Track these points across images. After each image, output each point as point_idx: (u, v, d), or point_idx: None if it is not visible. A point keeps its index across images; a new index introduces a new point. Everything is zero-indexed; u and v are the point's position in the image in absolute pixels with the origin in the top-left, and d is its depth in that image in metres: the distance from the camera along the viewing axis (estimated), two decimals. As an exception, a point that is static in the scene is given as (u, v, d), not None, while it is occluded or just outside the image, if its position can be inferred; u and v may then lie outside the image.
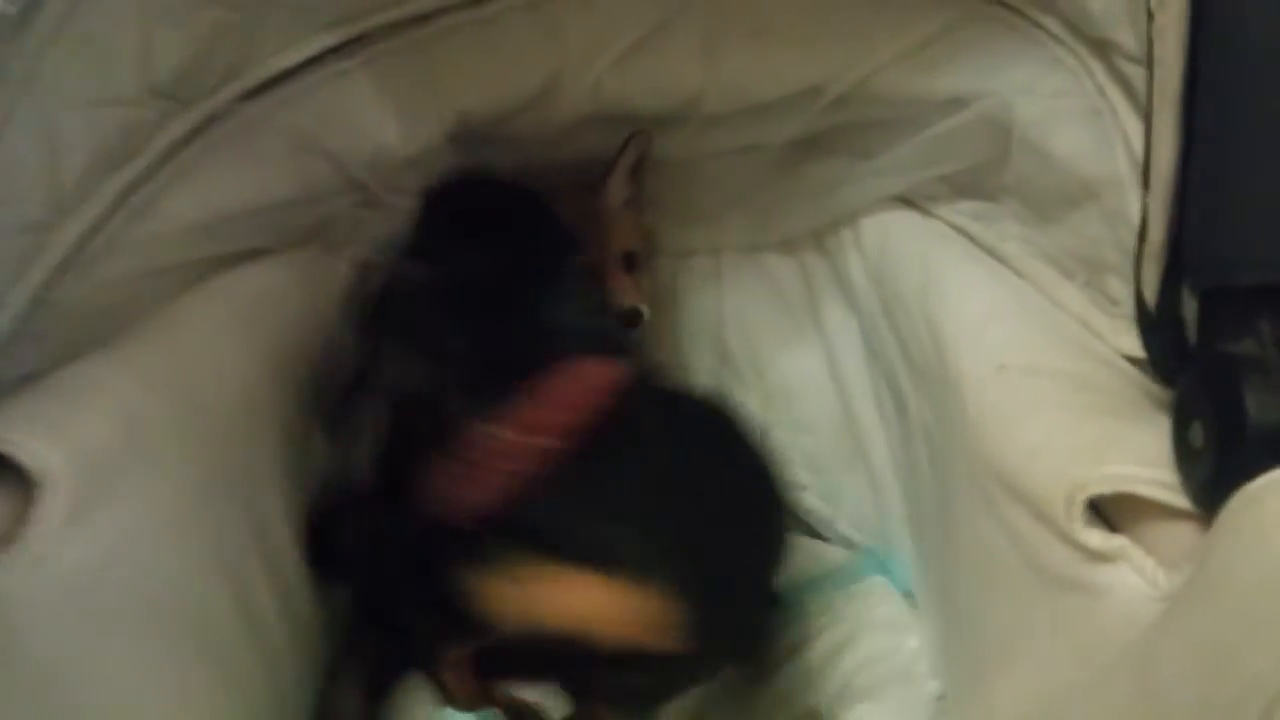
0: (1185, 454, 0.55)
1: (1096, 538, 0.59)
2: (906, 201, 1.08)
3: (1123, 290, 0.78)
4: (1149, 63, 0.57)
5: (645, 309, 1.11)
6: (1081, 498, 0.59)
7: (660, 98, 1.05)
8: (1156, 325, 0.58)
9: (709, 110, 1.06)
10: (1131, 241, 0.75)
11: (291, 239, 1.00)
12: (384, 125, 0.99)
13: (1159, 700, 0.52)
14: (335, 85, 0.94)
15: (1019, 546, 0.71)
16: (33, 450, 0.62)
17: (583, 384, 0.79)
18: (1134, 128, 0.75)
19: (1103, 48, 0.78)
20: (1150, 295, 0.58)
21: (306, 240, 1.03)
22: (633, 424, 0.80)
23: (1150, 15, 0.55)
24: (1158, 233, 0.56)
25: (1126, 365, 0.74)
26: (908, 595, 1.11)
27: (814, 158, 1.13)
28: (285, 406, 0.94)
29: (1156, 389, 0.70)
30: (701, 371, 1.28)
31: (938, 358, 0.87)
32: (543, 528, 0.77)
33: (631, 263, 1.14)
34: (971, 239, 0.98)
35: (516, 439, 0.76)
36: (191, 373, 0.80)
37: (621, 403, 0.79)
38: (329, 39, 0.93)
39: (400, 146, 1.00)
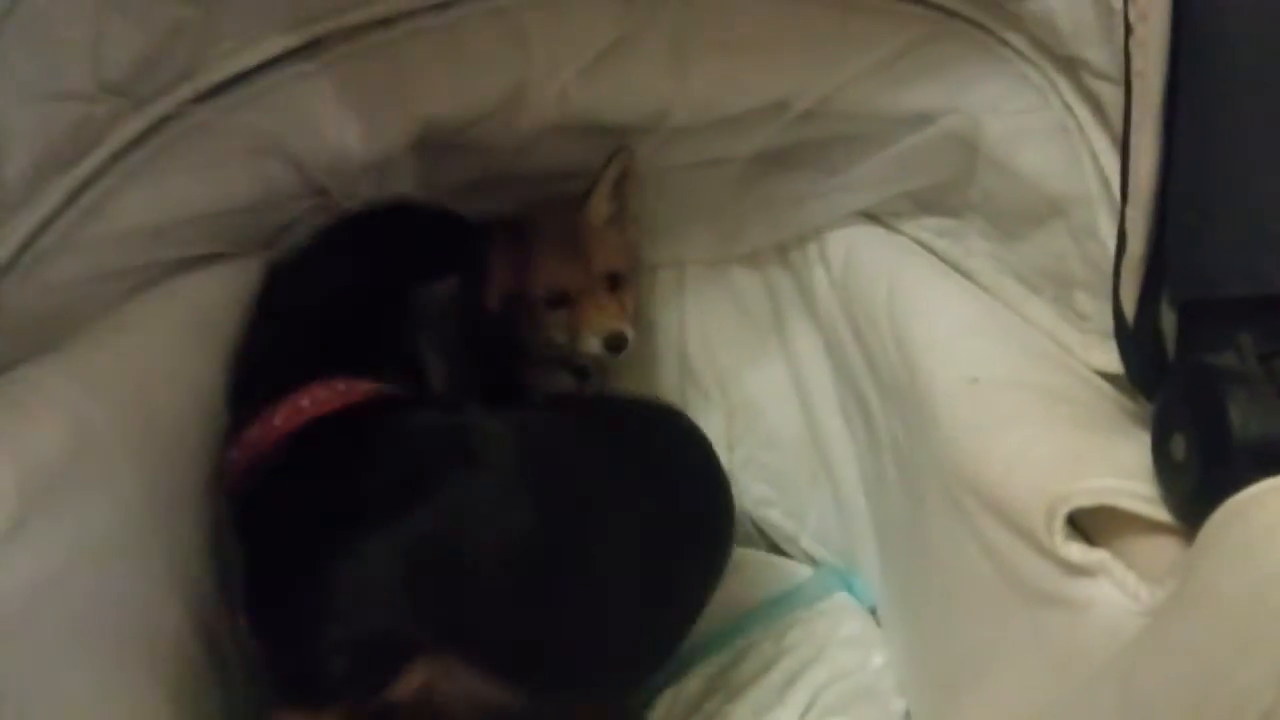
0: (1166, 467, 0.55)
1: (1077, 551, 0.59)
2: (871, 217, 1.09)
3: (1091, 305, 0.79)
4: (1126, 77, 0.57)
5: (629, 332, 1.09)
6: (1063, 510, 0.59)
7: (628, 109, 1.04)
8: (1135, 338, 0.59)
9: (676, 122, 1.05)
10: (1100, 257, 0.77)
11: (248, 244, 0.97)
12: (346, 129, 0.96)
13: (1144, 715, 0.52)
14: (296, 87, 0.91)
15: (994, 560, 0.70)
16: (-26, 461, 0.59)
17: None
18: (1103, 144, 0.76)
19: (1071, 65, 0.79)
20: (1129, 308, 0.58)
21: (263, 246, 1.00)
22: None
23: (1129, 29, 0.55)
24: (1137, 245, 0.56)
25: (1098, 380, 0.75)
26: (872, 612, 1.11)
27: (779, 172, 1.12)
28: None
29: (1129, 403, 0.71)
30: (664, 386, 1.27)
31: (907, 372, 0.87)
32: None
33: (616, 283, 1.12)
34: (937, 255, 0.99)
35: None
36: (144, 381, 0.77)
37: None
38: (289, 40, 0.90)
39: (362, 151, 0.97)
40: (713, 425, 1.26)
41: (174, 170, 0.85)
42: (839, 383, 1.16)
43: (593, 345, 1.08)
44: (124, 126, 0.81)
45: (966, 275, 0.94)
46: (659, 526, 0.85)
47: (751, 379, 1.25)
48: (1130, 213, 0.57)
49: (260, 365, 0.89)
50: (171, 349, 0.83)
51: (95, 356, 0.75)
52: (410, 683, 0.76)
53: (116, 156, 0.81)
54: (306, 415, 0.82)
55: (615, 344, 1.08)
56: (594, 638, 0.82)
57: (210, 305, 0.90)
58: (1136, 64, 0.55)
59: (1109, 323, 0.75)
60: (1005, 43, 0.87)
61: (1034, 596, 0.65)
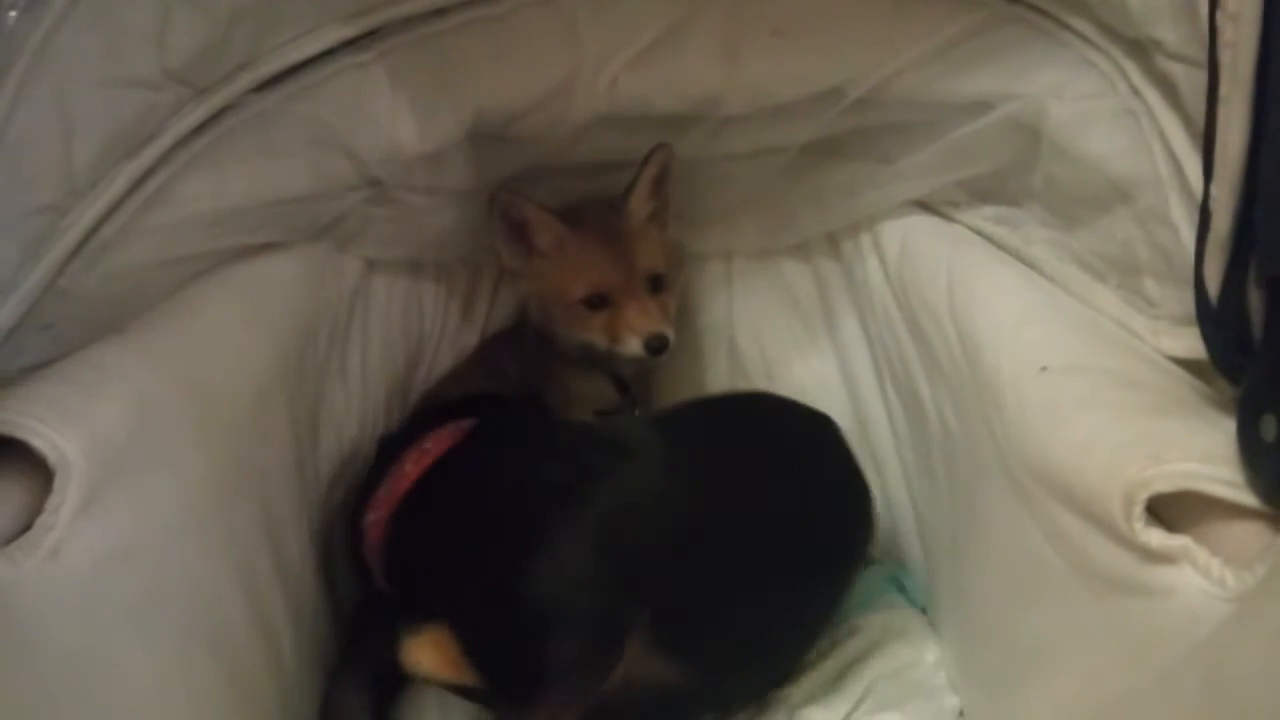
0: (1254, 449, 0.53)
1: (1157, 537, 0.58)
2: (926, 206, 1.07)
3: (1159, 291, 0.77)
4: (1211, 51, 0.56)
5: (670, 333, 1.08)
6: (1142, 496, 0.58)
7: (678, 98, 1.03)
8: (1219, 318, 0.57)
9: (727, 111, 1.04)
10: (1170, 242, 0.75)
11: (303, 234, 0.98)
12: (400, 120, 0.97)
13: (1233, 704, 0.50)
14: (352, 79, 0.92)
15: (1063, 550, 0.69)
16: (47, 436, 0.59)
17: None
18: (1174, 126, 0.74)
19: (1140, 47, 0.77)
20: (1213, 287, 0.57)
21: (318, 236, 1.01)
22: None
23: (1216, 2, 0.54)
24: (1223, 223, 0.54)
25: (1171, 365, 0.73)
26: (923, 611, 1.09)
27: (832, 161, 1.11)
28: (295, 404, 0.92)
29: (1205, 388, 0.69)
30: (712, 377, 1.26)
31: (968, 362, 0.86)
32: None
33: (657, 284, 1.11)
34: (996, 243, 0.97)
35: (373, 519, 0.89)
36: (204, 363, 0.78)
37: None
38: (345, 31, 0.90)
39: (416, 143, 0.98)
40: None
41: (234, 159, 0.86)
42: (881, 376, 1.15)
43: (634, 347, 1.07)
44: (187, 114, 0.81)
45: (1027, 264, 0.92)
46: (806, 524, 0.88)
47: (800, 370, 1.24)
48: (1215, 190, 0.55)
49: None
50: (229, 335, 0.83)
51: (157, 340, 0.76)
52: (628, 661, 0.79)
53: (179, 144, 0.82)
54: (432, 455, 0.89)
55: (657, 345, 1.07)
56: (754, 620, 0.85)
57: (266, 292, 0.91)
58: (1226, 36, 0.53)
59: (1179, 308, 0.75)
60: (1067, 27, 0.86)
61: (1107, 585, 0.64)
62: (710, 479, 0.85)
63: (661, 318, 1.08)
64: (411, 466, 0.88)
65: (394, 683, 1.03)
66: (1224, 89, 0.53)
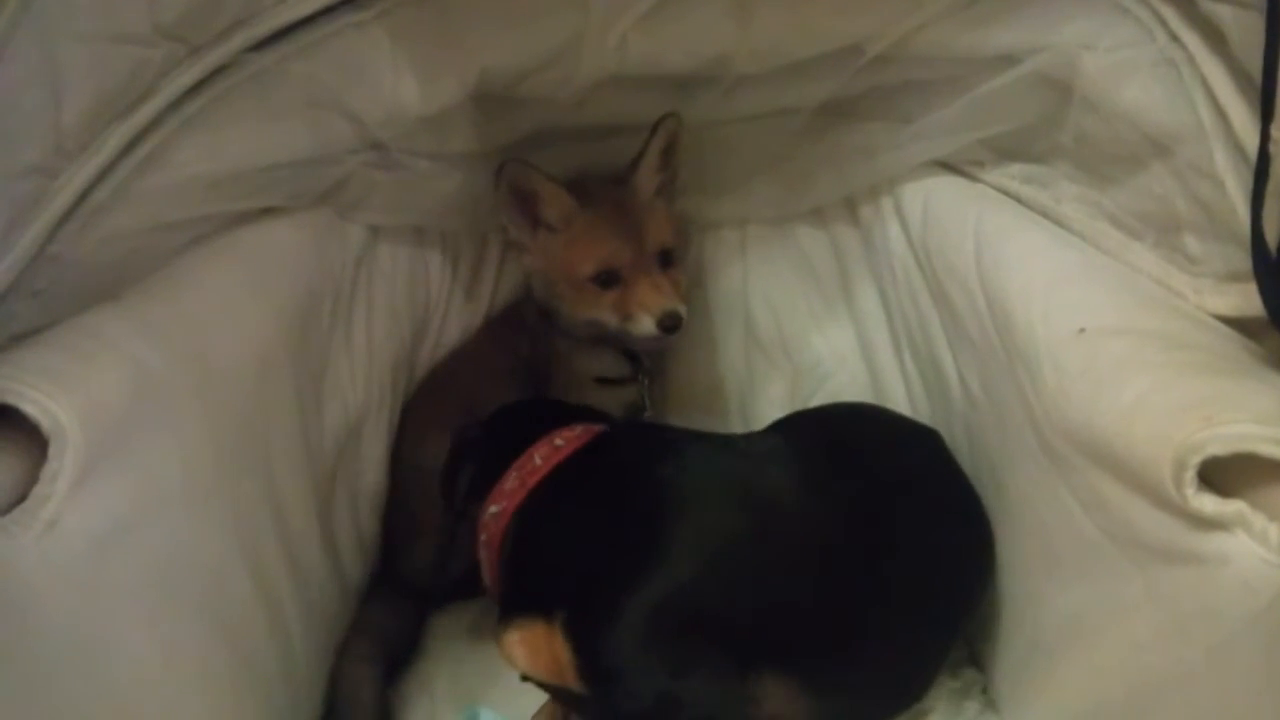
0: (1317, 407, 0.50)
1: (1210, 503, 0.55)
2: (948, 166, 1.03)
3: (1201, 247, 0.74)
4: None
5: (684, 311, 1.04)
6: (1195, 460, 0.55)
7: (689, 56, 0.99)
8: (1278, 268, 0.54)
9: (740, 70, 1.00)
10: (1212, 195, 0.71)
11: (305, 199, 0.95)
12: (401, 80, 0.93)
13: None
14: (351, 38, 0.88)
15: (1101, 518, 0.66)
16: (41, 403, 0.57)
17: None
18: (1218, 74, 0.71)
19: (1182, -9, 0.73)
20: (1272, 235, 0.53)
21: (320, 201, 0.97)
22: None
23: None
24: (1284, 168, 0.51)
25: (1216, 323, 0.70)
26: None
27: (849, 122, 1.08)
28: (299, 374, 0.89)
29: (1254, 346, 0.66)
30: (728, 349, 1.23)
31: (998, 328, 0.83)
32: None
33: (668, 260, 1.07)
34: (1024, 203, 0.93)
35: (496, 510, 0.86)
36: (203, 331, 0.75)
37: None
38: (343, -13, 0.87)
39: (418, 103, 0.94)
40: (776, 389, 1.23)
41: (230, 121, 0.83)
42: (899, 346, 1.12)
43: (646, 325, 1.03)
44: (180, 73, 0.78)
45: (1058, 223, 0.88)
46: (931, 542, 0.84)
47: (817, 341, 1.21)
48: (1275, 133, 0.52)
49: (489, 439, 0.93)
50: (230, 302, 0.80)
51: (154, 307, 0.73)
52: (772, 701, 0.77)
53: (173, 105, 0.78)
54: (564, 451, 0.86)
55: (670, 323, 1.03)
56: (884, 642, 0.83)
57: (266, 259, 0.88)
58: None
59: (1223, 264, 0.71)
60: (1100, -27, 0.82)
61: (1151, 554, 0.61)
62: (838, 494, 0.84)
63: (674, 294, 1.04)
64: (542, 461, 0.86)
65: (402, 658, 1.02)
66: (1288, 24, 0.50)
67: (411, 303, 1.13)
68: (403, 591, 1.07)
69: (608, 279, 1.04)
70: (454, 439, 0.94)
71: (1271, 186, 0.53)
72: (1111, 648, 0.67)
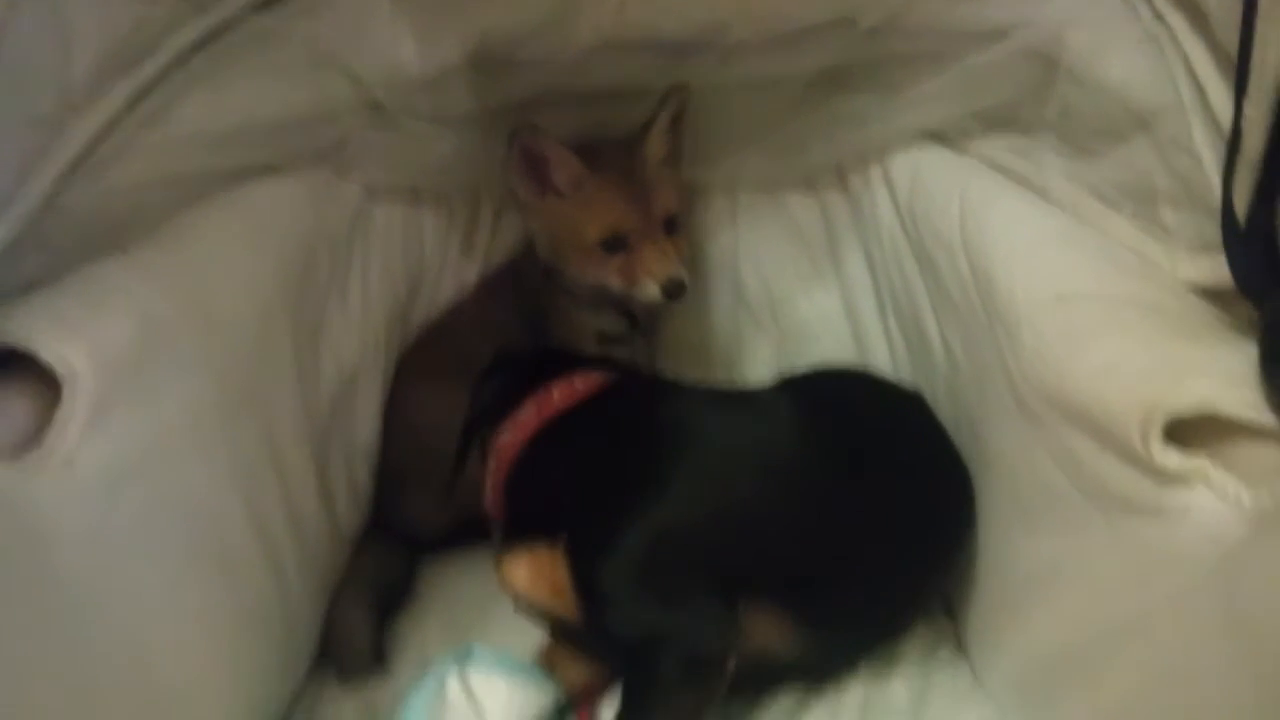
0: (1278, 370, 0.53)
1: (1175, 459, 0.58)
2: (937, 137, 1.06)
3: (1176, 219, 0.77)
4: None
5: (687, 278, 1.06)
6: (1160, 418, 0.58)
7: (686, 22, 1.00)
8: (1246, 240, 0.56)
9: (736, 37, 1.02)
10: (1190, 169, 0.74)
11: (304, 157, 0.96)
12: (401, 41, 0.94)
13: (1249, 624, 0.51)
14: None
15: (1074, 475, 0.69)
16: (53, 348, 0.58)
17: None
18: (1198, 51, 0.73)
19: (1164, -31, 0.75)
20: (1241, 206, 0.56)
21: (318, 160, 0.99)
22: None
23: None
24: (1256, 142, 0.54)
25: (1188, 292, 0.73)
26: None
27: (840, 92, 1.09)
28: (297, 327, 0.91)
29: (1223, 314, 0.69)
30: (717, 313, 1.25)
31: (981, 292, 0.85)
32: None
33: (673, 226, 1.09)
34: (1009, 174, 0.95)
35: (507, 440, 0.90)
36: (206, 282, 0.77)
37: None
38: (346, -53, 0.88)
39: (417, 64, 0.95)
40: (763, 352, 1.25)
41: (233, 79, 0.84)
42: (884, 311, 1.14)
43: (651, 291, 1.05)
44: (185, 30, 0.79)
45: (1040, 193, 0.91)
46: (914, 491, 0.88)
47: (804, 305, 1.24)
48: (1249, 109, 0.54)
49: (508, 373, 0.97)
50: (232, 255, 0.82)
51: (160, 258, 0.75)
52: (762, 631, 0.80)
53: (178, 61, 0.79)
54: (580, 393, 0.91)
55: (674, 290, 1.05)
56: (870, 582, 0.86)
57: (266, 214, 0.90)
58: (1263, -53, 0.52)
59: (1197, 235, 0.74)
60: (1087, -49, 0.84)
61: (1119, 508, 0.64)
62: (833, 444, 0.87)
63: (678, 261, 1.06)
64: (559, 397, 0.90)
65: (394, 603, 1.05)
66: (1264, 3, 0.52)
67: (406, 261, 1.15)
68: (395, 540, 1.10)
69: (614, 244, 1.06)
70: (494, 356, 0.98)
71: (1242, 161, 0.55)
72: (1077, 595, 0.71)
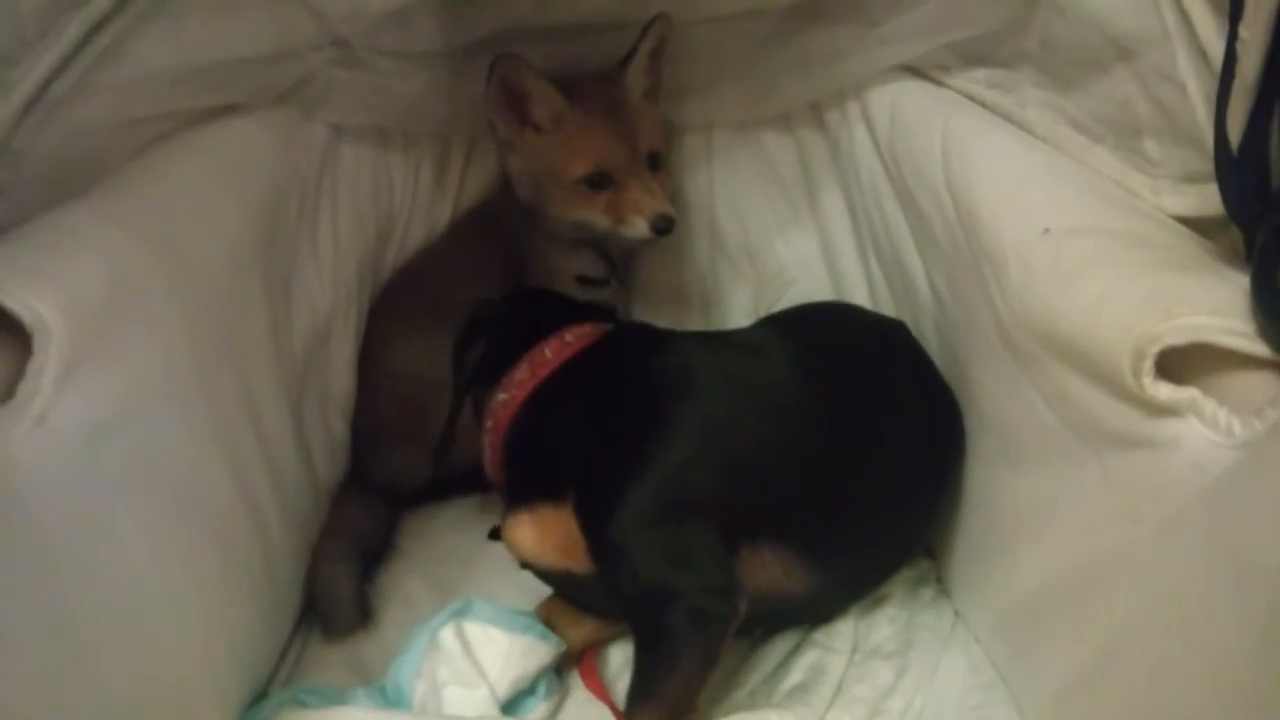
0: (1270, 297, 0.53)
1: (1165, 390, 0.58)
2: (914, 71, 1.04)
3: (1160, 150, 0.76)
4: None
5: (673, 213, 1.04)
6: (1153, 350, 0.58)
7: (654, -48, 0.98)
8: (1239, 166, 0.56)
9: (706, -32, 1.00)
10: (1174, 99, 0.73)
11: (267, 96, 0.93)
12: (363, -27, 0.90)
13: (1236, 550, 0.51)
14: (312, -72, 0.85)
15: (1063, 411, 0.69)
16: (22, 299, 0.56)
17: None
18: (1181, -21, 0.72)
19: (1149, -106, 0.74)
20: (1235, 133, 0.55)
21: (283, 100, 0.95)
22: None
23: None
24: (1251, 66, 0.53)
25: (1174, 222, 0.73)
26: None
27: (815, 26, 1.07)
28: (269, 274, 0.88)
29: (1210, 244, 0.69)
30: (693, 256, 1.24)
31: (965, 230, 0.85)
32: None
33: (656, 162, 1.07)
34: (989, 107, 0.94)
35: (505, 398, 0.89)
36: (176, 226, 0.74)
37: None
38: (305, -126, 0.84)
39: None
40: (741, 295, 1.25)
41: (191, 12, 0.80)
42: (864, 250, 1.14)
43: (639, 228, 1.04)
44: (138, -41, 0.75)
45: (1022, 127, 0.90)
46: (908, 423, 0.89)
47: (781, 248, 1.22)
48: (1244, 33, 0.53)
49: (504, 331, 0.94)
50: (199, 197, 0.79)
51: (126, 202, 0.72)
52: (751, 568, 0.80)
53: (130, -7, 0.76)
54: (573, 347, 0.89)
55: (663, 225, 1.03)
56: (871, 514, 0.87)
57: (233, 155, 0.87)
58: None
59: (1180, 166, 0.74)
60: (1069, -126, 0.82)
61: (1107, 441, 0.65)
62: (828, 381, 0.87)
63: (665, 197, 1.05)
64: (552, 354, 0.89)
65: (376, 557, 1.04)
66: (1261, -76, 0.51)
67: (375, 204, 1.12)
68: (373, 493, 1.08)
69: (599, 181, 1.04)
70: (470, 312, 0.95)
71: (1237, 85, 0.55)
72: (1064, 531, 0.72)
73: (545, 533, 0.82)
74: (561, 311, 0.95)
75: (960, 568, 0.93)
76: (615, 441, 0.82)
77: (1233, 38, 0.55)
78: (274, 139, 0.92)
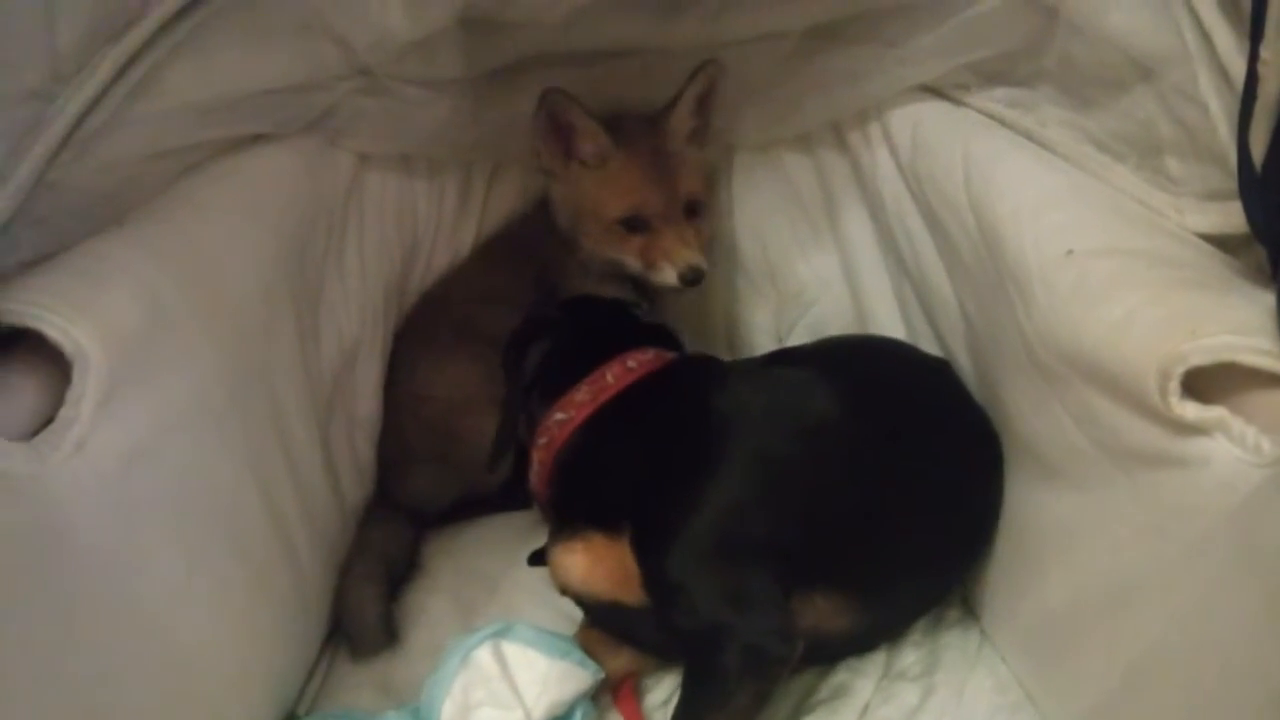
0: (1298, 316, 0.53)
1: (1192, 410, 0.58)
2: (934, 91, 1.04)
3: (1182, 169, 0.76)
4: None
5: (705, 266, 1.04)
6: (1179, 370, 0.58)
7: (675, -25, 0.99)
8: (1263, 185, 0.56)
9: (727, -9, 1.00)
10: (1196, 118, 0.73)
11: (295, 126, 0.94)
12: (389, 5, 0.92)
13: (1267, 568, 0.51)
14: (338, -39, 0.87)
15: (1092, 429, 0.69)
16: (61, 327, 0.57)
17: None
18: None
19: (1169, -90, 0.74)
20: (1259, 153, 0.56)
21: (310, 129, 0.97)
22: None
23: None
24: (1273, 86, 0.53)
25: (1198, 241, 0.73)
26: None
27: (836, 47, 1.08)
28: (298, 300, 0.90)
29: (1234, 261, 0.69)
30: (712, 277, 1.24)
31: (990, 252, 0.85)
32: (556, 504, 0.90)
33: (695, 210, 1.07)
34: (1010, 127, 0.95)
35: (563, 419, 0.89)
36: (207, 255, 0.75)
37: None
38: (332, -91, 0.86)
39: (405, 27, 0.93)
40: (761, 317, 1.25)
41: (220, 46, 0.82)
42: (892, 271, 1.14)
43: (668, 277, 1.05)
44: (169, -3, 0.77)
45: (1043, 146, 0.90)
46: (951, 461, 0.89)
47: (802, 268, 1.23)
48: (1266, 53, 0.54)
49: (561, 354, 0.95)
50: (230, 226, 0.81)
51: (160, 232, 0.73)
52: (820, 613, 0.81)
53: (164, 29, 0.77)
54: (635, 374, 0.90)
55: (692, 278, 1.04)
56: (918, 559, 0.88)
57: (262, 184, 0.88)
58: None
59: (1203, 184, 0.74)
60: (1088, -108, 0.83)
61: (1136, 461, 0.64)
62: (878, 420, 0.87)
63: (698, 247, 1.05)
64: (614, 379, 0.89)
65: (401, 576, 1.05)
66: (1281, -56, 0.52)
67: (401, 230, 1.13)
68: (399, 514, 1.09)
69: (635, 224, 1.05)
70: (529, 313, 0.96)
71: (1260, 105, 0.55)
72: (1093, 549, 0.71)
73: (597, 562, 0.83)
74: (625, 331, 0.95)
75: (988, 588, 0.93)
76: (676, 476, 0.82)
77: (1254, 58, 0.55)
78: (302, 167, 0.94)
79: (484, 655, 0.81)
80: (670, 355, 0.94)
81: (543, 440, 0.90)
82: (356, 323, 1.04)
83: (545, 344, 0.93)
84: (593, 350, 0.91)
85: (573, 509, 0.87)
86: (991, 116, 0.97)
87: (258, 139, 0.91)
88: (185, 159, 0.83)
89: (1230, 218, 0.68)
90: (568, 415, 0.89)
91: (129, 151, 0.76)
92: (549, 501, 0.92)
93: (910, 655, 0.92)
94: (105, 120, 0.74)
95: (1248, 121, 0.56)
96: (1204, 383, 0.59)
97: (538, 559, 1.01)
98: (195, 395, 0.69)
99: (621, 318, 1.00)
